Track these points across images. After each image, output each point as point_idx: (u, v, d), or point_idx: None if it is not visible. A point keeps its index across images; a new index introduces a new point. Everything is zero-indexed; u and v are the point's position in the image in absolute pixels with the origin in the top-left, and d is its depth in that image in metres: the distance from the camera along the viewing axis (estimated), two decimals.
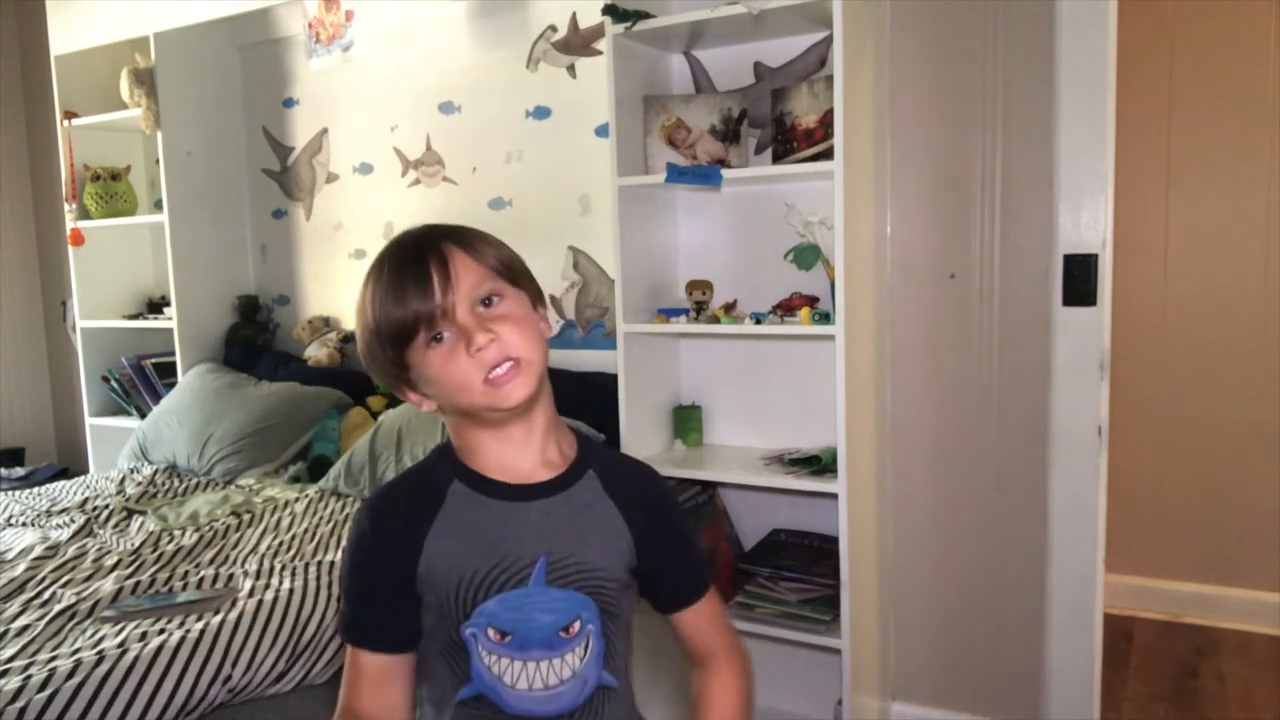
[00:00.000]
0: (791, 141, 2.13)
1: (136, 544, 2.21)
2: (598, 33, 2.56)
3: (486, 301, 0.93)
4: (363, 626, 0.96)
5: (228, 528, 2.32)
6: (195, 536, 2.25)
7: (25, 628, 1.73)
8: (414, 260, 0.92)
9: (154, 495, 2.70)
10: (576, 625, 0.94)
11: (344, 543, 2.20)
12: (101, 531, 2.37)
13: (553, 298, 2.78)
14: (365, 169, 3.15)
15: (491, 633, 0.92)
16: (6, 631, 1.71)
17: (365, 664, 0.96)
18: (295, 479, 2.77)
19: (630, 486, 1.02)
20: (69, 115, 3.30)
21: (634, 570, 1.00)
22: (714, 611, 1.07)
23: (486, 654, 0.93)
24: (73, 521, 2.41)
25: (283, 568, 1.98)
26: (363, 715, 0.95)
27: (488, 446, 0.97)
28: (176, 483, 2.80)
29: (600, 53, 2.55)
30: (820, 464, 2.10)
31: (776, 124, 2.16)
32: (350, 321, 3.24)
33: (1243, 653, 2.72)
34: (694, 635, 1.06)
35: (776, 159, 2.16)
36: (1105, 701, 2.19)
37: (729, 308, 2.23)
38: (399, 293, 0.91)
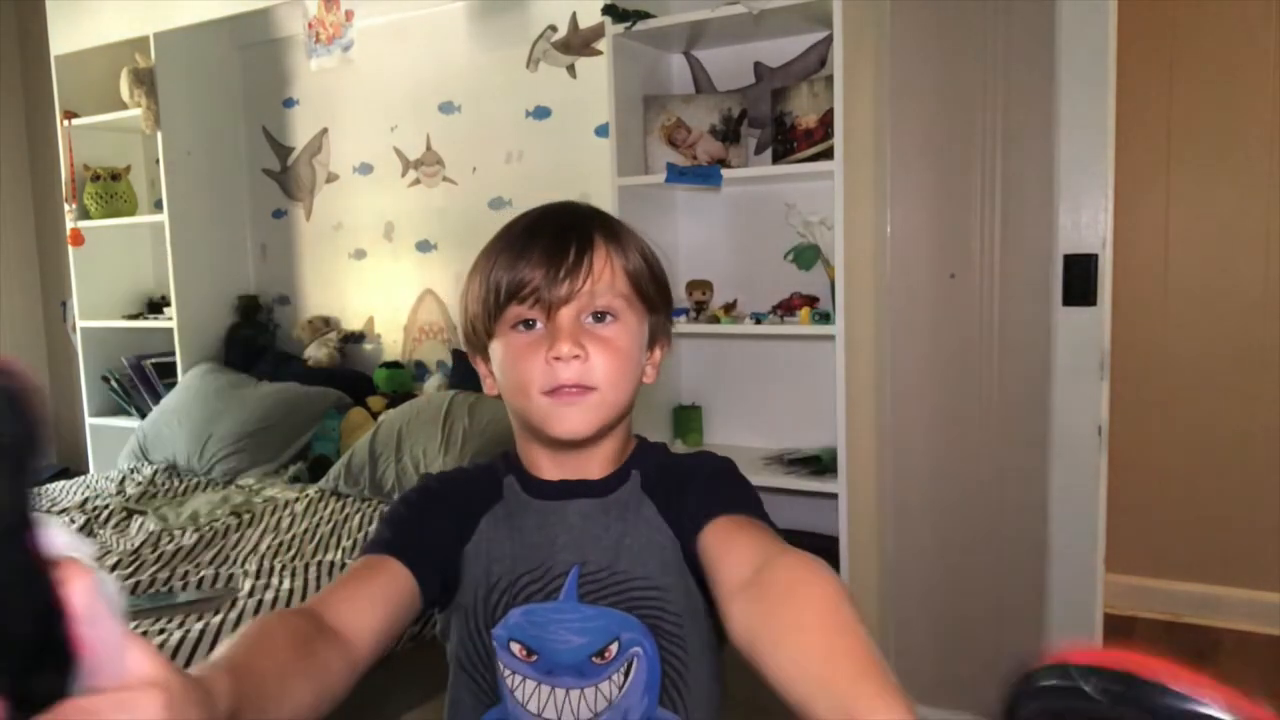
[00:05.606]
0: (791, 141, 2.13)
1: (136, 544, 2.21)
2: (598, 33, 2.56)
3: (600, 315, 0.81)
4: (385, 540, 0.81)
5: (228, 528, 2.32)
6: (195, 536, 2.25)
7: None
8: (553, 232, 0.81)
9: (154, 495, 2.70)
10: (614, 648, 0.81)
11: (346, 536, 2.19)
12: (101, 531, 2.37)
13: None
14: (365, 169, 3.15)
15: (516, 647, 0.82)
16: None
17: (362, 562, 0.79)
18: (295, 479, 2.77)
19: (671, 478, 0.85)
20: (69, 115, 3.30)
21: (700, 582, 0.79)
22: (753, 526, 0.75)
23: (510, 672, 0.83)
24: (73, 521, 2.41)
25: (283, 568, 1.98)
26: (316, 610, 0.71)
27: (542, 462, 0.87)
28: (176, 483, 2.80)
29: (600, 53, 2.55)
30: (820, 464, 2.10)
31: (776, 124, 2.16)
32: (349, 322, 3.24)
33: (1243, 653, 2.72)
34: (725, 555, 0.72)
35: (776, 159, 2.16)
36: None
37: (729, 308, 2.23)
38: (517, 256, 0.80)
